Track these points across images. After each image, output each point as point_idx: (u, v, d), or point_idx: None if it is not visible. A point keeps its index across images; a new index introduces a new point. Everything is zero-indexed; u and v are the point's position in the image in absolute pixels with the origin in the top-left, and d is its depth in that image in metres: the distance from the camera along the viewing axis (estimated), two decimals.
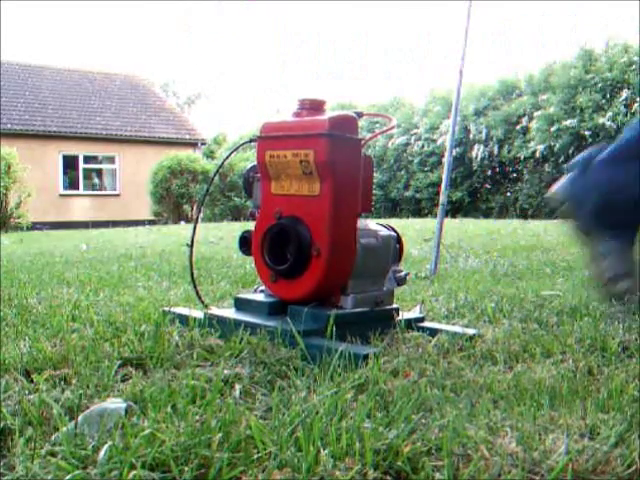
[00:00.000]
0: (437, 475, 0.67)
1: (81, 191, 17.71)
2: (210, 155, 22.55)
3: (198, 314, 1.46)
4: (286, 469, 0.68)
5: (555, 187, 1.81)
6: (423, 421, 0.81)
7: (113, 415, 0.83)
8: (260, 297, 1.50)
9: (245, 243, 1.56)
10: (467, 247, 4.20)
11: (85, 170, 17.78)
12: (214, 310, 1.49)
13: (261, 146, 1.40)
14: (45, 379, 1.01)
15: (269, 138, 1.38)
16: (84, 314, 1.58)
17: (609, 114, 12.96)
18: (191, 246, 1.59)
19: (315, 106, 1.41)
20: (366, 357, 1.13)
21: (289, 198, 1.38)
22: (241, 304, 1.49)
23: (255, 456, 0.71)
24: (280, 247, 1.37)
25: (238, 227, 6.75)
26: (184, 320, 1.44)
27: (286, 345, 1.23)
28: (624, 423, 0.78)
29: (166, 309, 1.55)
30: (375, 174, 1.99)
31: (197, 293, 1.61)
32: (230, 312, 1.46)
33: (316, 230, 1.34)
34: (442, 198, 2.89)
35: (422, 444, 0.73)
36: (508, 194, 15.37)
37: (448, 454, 0.69)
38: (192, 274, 1.61)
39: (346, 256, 1.37)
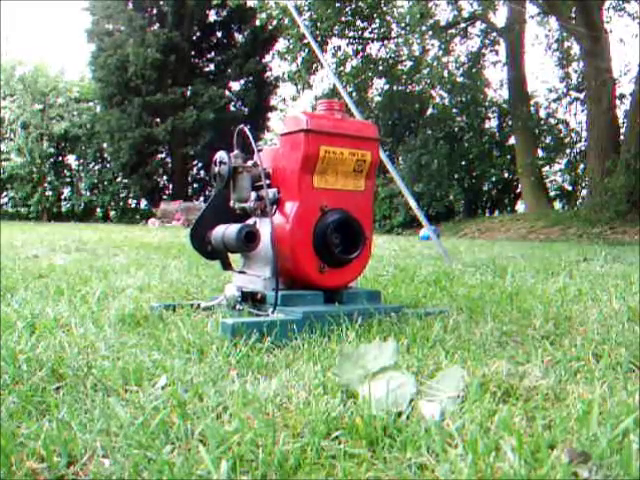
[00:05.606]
0: None
1: None
2: None
3: None
4: None
5: None
6: None
7: None
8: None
9: (253, 238, 1.58)
10: None
11: None
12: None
13: (315, 140, 1.43)
14: None
15: (325, 134, 1.44)
16: None
17: None
18: None
19: (340, 108, 1.53)
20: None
21: (334, 192, 1.47)
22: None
23: None
24: (343, 237, 1.46)
25: None
26: None
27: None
28: None
29: None
30: None
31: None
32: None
33: (364, 221, 1.48)
34: None
35: None
36: None
37: None
38: None
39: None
